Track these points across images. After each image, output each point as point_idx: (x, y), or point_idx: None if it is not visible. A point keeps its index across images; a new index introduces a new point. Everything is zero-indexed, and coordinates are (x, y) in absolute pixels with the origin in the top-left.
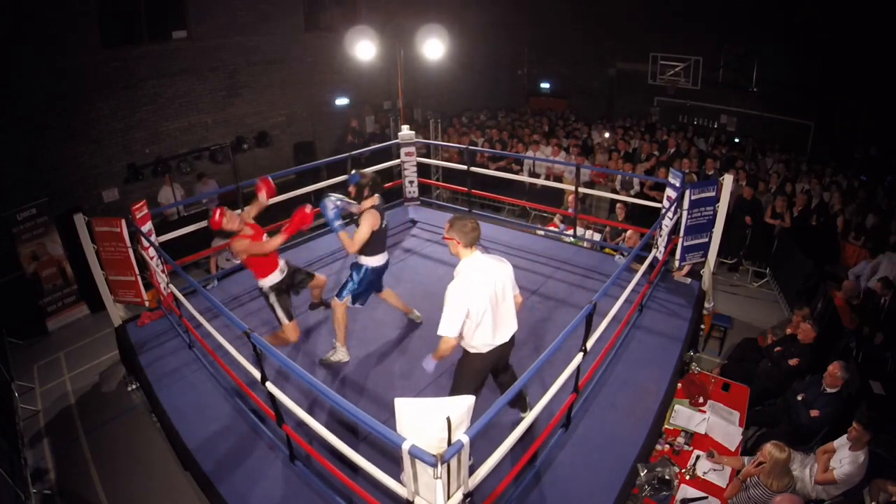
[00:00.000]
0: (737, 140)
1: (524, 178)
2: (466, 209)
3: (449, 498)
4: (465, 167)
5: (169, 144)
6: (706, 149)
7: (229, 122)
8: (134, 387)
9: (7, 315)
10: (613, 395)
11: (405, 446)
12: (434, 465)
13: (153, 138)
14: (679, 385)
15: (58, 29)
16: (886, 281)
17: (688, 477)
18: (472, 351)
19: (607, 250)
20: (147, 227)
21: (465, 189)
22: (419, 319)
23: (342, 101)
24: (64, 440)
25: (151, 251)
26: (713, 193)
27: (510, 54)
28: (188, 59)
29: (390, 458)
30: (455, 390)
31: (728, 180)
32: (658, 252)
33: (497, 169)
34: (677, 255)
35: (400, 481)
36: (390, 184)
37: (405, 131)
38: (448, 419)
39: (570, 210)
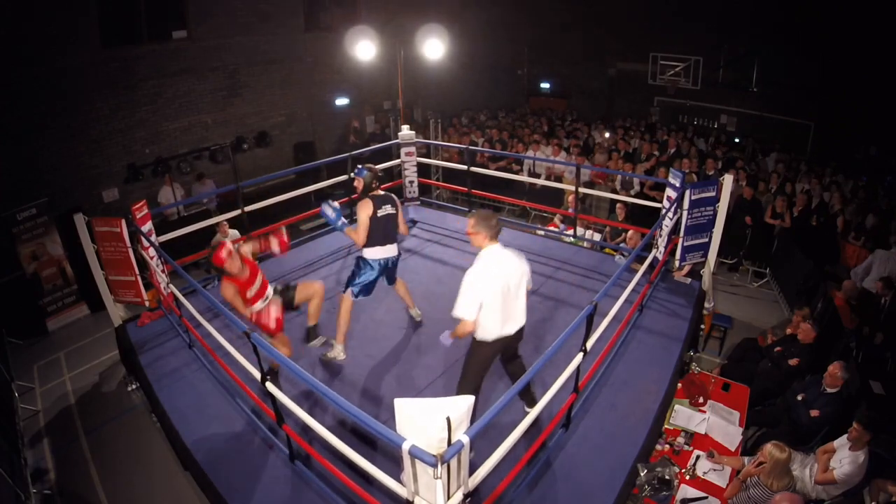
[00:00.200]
0: (737, 140)
1: (524, 178)
2: (466, 209)
3: (449, 498)
4: (465, 167)
5: (169, 144)
6: (706, 149)
7: (229, 122)
8: (134, 387)
9: (7, 315)
10: (613, 395)
11: (405, 446)
12: (434, 466)
13: (153, 138)
14: (679, 385)
15: (58, 29)
16: (887, 281)
17: (688, 477)
18: (478, 339)
19: (607, 250)
20: (147, 226)
21: (465, 189)
22: (418, 317)
23: (342, 101)
24: (64, 440)
25: (151, 251)
26: (713, 193)
27: (510, 54)
28: (188, 59)
29: (390, 458)
30: (464, 377)
31: (728, 180)
32: (658, 252)
33: (497, 169)
34: (677, 255)
35: (400, 481)
36: (390, 184)
37: (405, 131)
38: (448, 419)
39: (570, 210)
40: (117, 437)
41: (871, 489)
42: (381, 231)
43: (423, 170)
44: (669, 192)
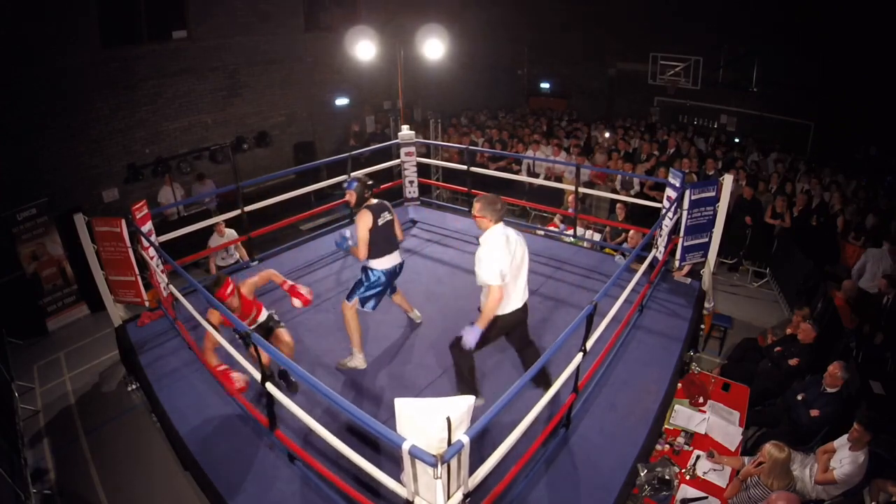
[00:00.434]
0: (737, 140)
1: (524, 178)
2: (466, 209)
3: (449, 498)
4: (465, 167)
5: (169, 144)
6: (706, 149)
7: (229, 122)
8: (134, 387)
9: (7, 315)
10: (613, 395)
11: (405, 446)
12: (434, 466)
13: (153, 138)
14: (679, 385)
15: (58, 29)
16: (891, 279)
17: (688, 477)
18: (497, 313)
19: (607, 250)
20: (147, 227)
21: (465, 189)
22: (418, 319)
23: (342, 101)
24: (64, 440)
25: (151, 251)
26: (713, 193)
27: (510, 54)
28: (188, 59)
29: (390, 458)
30: (460, 351)
31: (728, 180)
32: (658, 252)
33: (497, 169)
34: (677, 255)
35: (400, 481)
36: (390, 184)
37: (405, 131)
38: (448, 419)
39: (570, 210)
40: (117, 437)
41: (871, 489)
42: (385, 239)
43: (423, 170)
44: (669, 192)
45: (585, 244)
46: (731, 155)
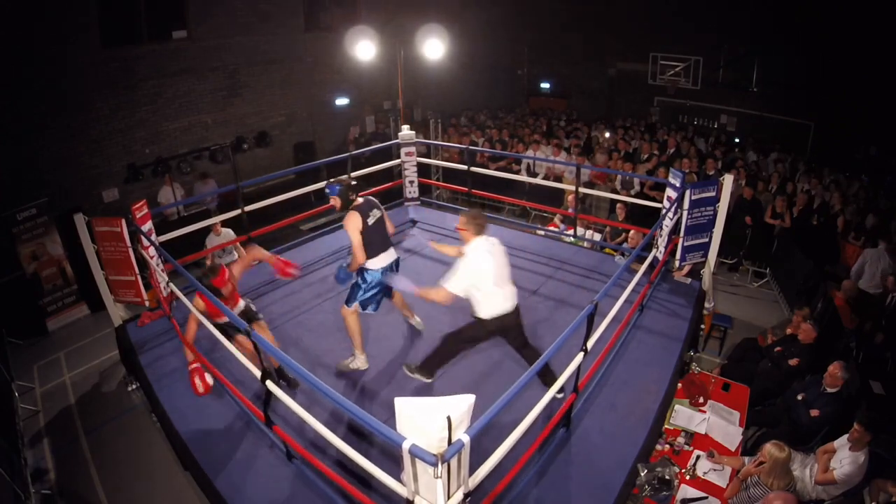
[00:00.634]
0: (736, 140)
1: (524, 177)
2: (467, 209)
3: (449, 497)
4: (465, 167)
5: (169, 144)
6: (706, 149)
7: (229, 122)
8: (134, 387)
9: (7, 315)
10: (613, 395)
11: (405, 446)
12: (434, 465)
13: (153, 138)
14: (679, 385)
15: (58, 29)
16: None
17: (688, 477)
18: (479, 317)
19: (607, 250)
20: (147, 226)
21: (466, 189)
22: (420, 327)
23: (342, 101)
24: (64, 440)
25: (151, 251)
26: (713, 193)
27: (510, 54)
28: (188, 59)
29: (390, 457)
30: (452, 339)
31: (728, 180)
32: (658, 252)
33: (497, 169)
34: (677, 255)
35: (400, 481)
36: (390, 184)
37: (405, 131)
38: (448, 418)
39: (570, 210)
40: (117, 437)
41: (871, 489)
42: (378, 238)
43: (423, 170)
44: (669, 192)
45: (585, 244)
46: (732, 155)
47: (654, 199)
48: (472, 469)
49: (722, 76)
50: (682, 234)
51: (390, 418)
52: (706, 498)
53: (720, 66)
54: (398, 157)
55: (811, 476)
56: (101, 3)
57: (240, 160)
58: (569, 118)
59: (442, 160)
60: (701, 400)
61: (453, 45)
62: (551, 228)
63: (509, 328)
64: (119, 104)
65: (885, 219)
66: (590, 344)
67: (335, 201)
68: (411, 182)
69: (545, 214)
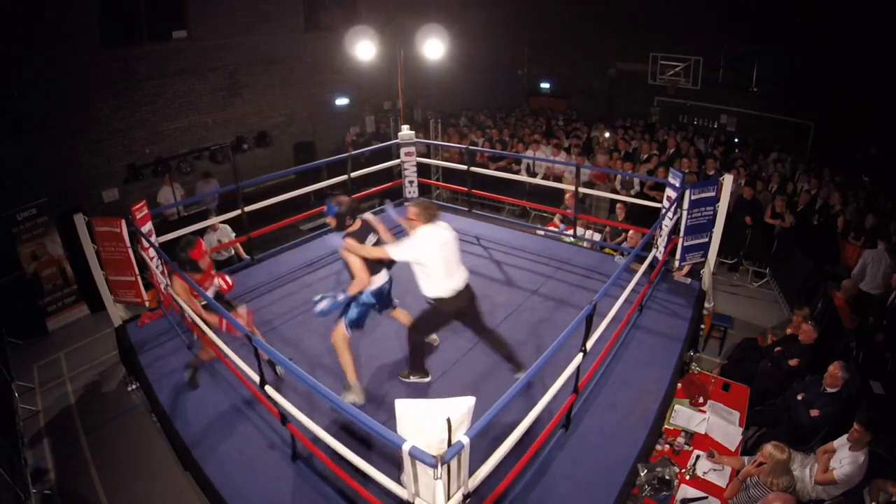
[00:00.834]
0: (736, 140)
1: (524, 177)
2: (466, 209)
3: (449, 499)
4: (465, 167)
5: (169, 144)
6: (706, 149)
7: (229, 122)
8: (134, 387)
9: (7, 315)
10: (613, 395)
11: (405, 447)
12: (434, 466)
13: (153, 138)
14: (679, 385)
15: (58, 29)
16: None
17: (688, 477)
18: (438, 296)
19: (607, 250)
20: (147, 227)
21: (466, 189)
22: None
23: (342, 101)
24: (64, 440)
25: (151, 251)
26: (713, 193)
27: (510, 54)
28: (188, 59)
29: (390, 458)
30: (418, 327)
31: (728, 180)
32: (658, 252)
33: (497, 169)
34: (677, 255)
35: (400, 482)
36: (390, 184)
37: (405, 131)
38: (448, 420)
39: (569, 209)
40: (117, 437)
41: (871, 489)
42: (373, 261)
43: (423, 170)
44: (669, 192)
45: (585, 244)
46: (733, 155)
47: (653, 199)
48: (472, 470)
49: (722, 76)
50: (681, 233)
51: (390, 420)
52: (706, 498)
53: (720, 66)
54: (398, 157)
55: (811, 476)
56: (101, 3)
57: (240, 160)
58: (568, 118)
59: (442, 160)
60: (701, 400)
61: (453, 45)
62: (551, 228)
63: (464, 309)
64: (119, 104)
65: (885, 219)
66: (589, 344)
67: (331, 221)
68: (411, 182)
69: (545, 214)
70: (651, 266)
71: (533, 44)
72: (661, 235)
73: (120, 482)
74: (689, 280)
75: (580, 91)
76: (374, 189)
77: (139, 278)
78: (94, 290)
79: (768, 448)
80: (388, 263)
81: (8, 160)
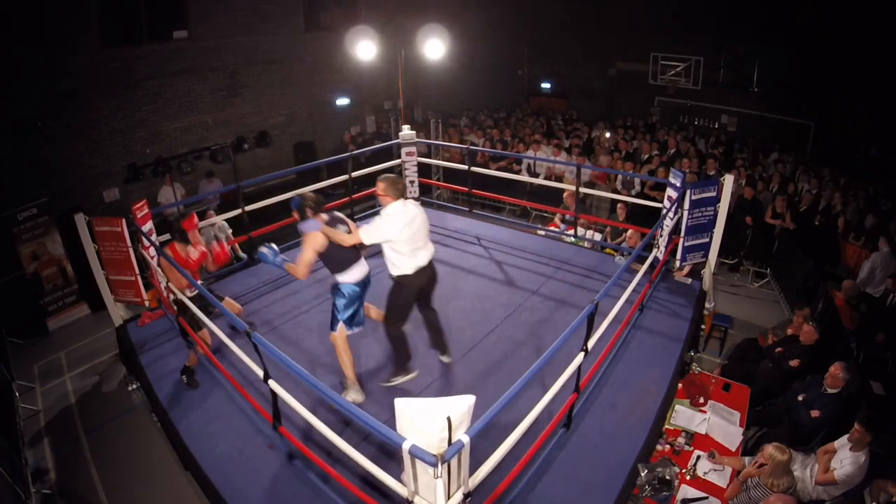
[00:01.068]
0: (736, 144)
1: (524, 177)
2: (467, 209)
3: (449, 498)
4: (465, 167)
5: (169, 144)
6: (706, 149)
7: (229, 122)
8: (134, 387)
9: (7, 315)
10: (614, 395)
11: (405, 446)
12: (434, 465)
13: (153, 138)
14: (679, 385)
15: (58, 29)
16: None
17: (688, 477)
18: (401, 274)
19: (608, 250)
20: (147, 226)
21: (466, 189)
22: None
23: (342, 101)
24: (64, 440)
25: (152, 251)
26: (714, 193)
27: (510, 54)
28: (188, 59)
29: (390, 458)
30: (392, 313)
31: (729, 180)
32: (659, 252)
33: (498, 169)
34: (678, 255)
35: (400, 481)
36: None
37: (406, 131)
38: (448, 419)
39: (569, 209)
40: (117, 437)
41: (872, 489)
42: (347, 253)
43: (423, 170)
44: (670, 192)
45: (586, 244)
46: (733, 155)
47: (654, 199)
48: (473, 469)
49: (722, 76)
50: (682, 234)
51: (391, 419)
52: (706, 498)
53: (720, 66)
54: (398, 157)
55: (812, 476)
56: (101, 3)
57: (240, 160)
58: (568, 118)
59: (442, 160)
60: (701, 400)
61: (453, 45)
62: (552, 228)
63: (427, 287)
64: (119, 104)
65: (885, 219)
66: (590, 344)
67: (295, 214)
68: (412, 182)
69: (545, 214)
70: (652, 266)
71: (533, 44)
72: (661, 235)
73: (120, 482)
74: (689, 280)
75: (580, 91)
76: (373, 189)
77: (139, 278)
78: (94, 289)
79: (769, 449)
80: (360, 249)
81: (8, 160)
